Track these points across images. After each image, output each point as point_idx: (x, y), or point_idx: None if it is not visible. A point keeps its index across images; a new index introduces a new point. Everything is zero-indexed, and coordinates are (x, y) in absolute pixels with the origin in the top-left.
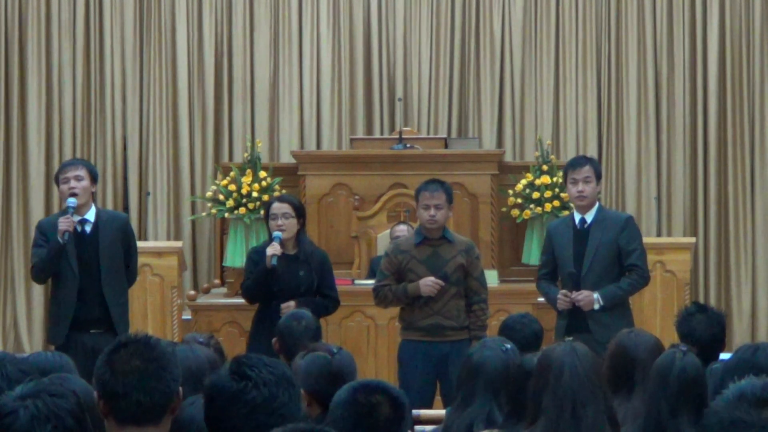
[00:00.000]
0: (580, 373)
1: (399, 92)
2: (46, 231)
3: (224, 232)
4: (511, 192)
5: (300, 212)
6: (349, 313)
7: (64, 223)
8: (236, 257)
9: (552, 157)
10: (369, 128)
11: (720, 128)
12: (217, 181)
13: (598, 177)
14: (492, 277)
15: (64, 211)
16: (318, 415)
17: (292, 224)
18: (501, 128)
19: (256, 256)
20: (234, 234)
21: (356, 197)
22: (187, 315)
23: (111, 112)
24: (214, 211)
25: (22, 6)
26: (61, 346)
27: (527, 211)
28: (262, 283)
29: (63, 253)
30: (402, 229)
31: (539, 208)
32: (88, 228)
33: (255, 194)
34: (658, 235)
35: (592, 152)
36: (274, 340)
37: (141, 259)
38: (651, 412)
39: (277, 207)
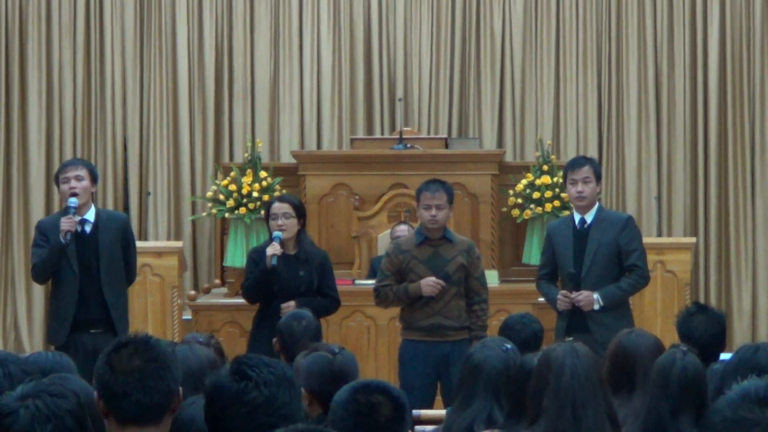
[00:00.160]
0: (581, 373)
1: (399, 92)
2: (46, 231)
3: (225, 232)
4: (511, 192)
5: (300, 212)
6: (350, 313)
7: (67, 223)
8: (236, 257)
9: (552, 157)
10: (369, 128)
11: (720, 128)
12: (217, 181)
13: (598, 177)
14: (492, 277)
15: (64, 211)
16: (319, 414)
17: (292, 224)
18: (501, 128)
19: (257, 256)
20: (234, 234)
21: (356, 197)
22: (187, 315)
23: (111, 112)
24: (214, 211)
25: (22, 6)
26: (61, 346)
27: (527, 211)
28: (263, 283)
29: (64, 253)
30: (402, 229)
31: (540, 208)
32: (87, 228)
33: (255, 194)
34: (659, 235)
35: (592, 152)
36: (274, 340)
37: (141, 259)
38: (651, 412)
39: (278, 207)
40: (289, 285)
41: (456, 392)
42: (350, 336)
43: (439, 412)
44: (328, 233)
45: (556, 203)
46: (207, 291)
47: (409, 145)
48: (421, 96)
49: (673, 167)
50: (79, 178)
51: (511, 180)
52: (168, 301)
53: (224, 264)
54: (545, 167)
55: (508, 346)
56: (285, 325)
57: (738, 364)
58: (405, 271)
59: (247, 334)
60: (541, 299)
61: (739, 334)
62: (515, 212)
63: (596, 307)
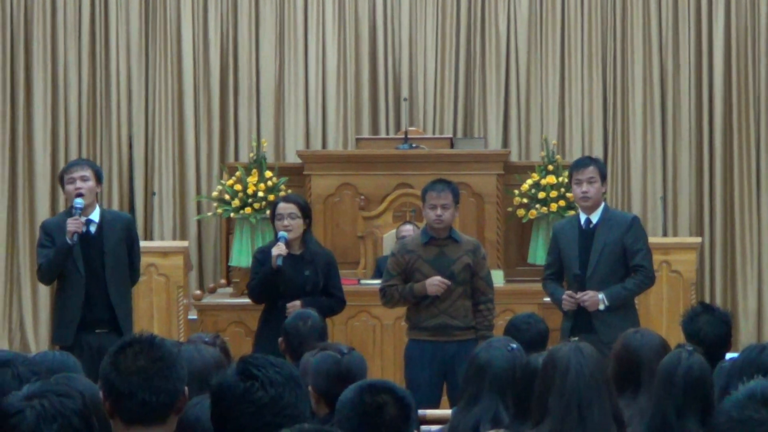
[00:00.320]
0: (586, 373)
1: (404, 92)
2: (51, 231)
3: (230, 231)
4: (516, 192)
5: (306, 212)
6: (355, 312)
7: (73, 224)
8: (242, 257)
9: (558, 156)
10: (375, 128)
11: (726, 128)
12: (222, 181)
13: (603, 177)
14: (498, 277)
15: (68, 211)
16: (326, 414)
17: (298, 224)
18: (507, 128)
19: (262, 256)
20: (240, 234)
21: (362, 197)
22: (192, 315)
23: (116, 112)
24: (219, 210)
25: (27, 5)
26: (67, 347)
27: (533, 211)
28: (268, 284)
29: (70, 254)
30: (408, 229)
31: (545, 208)
32: (92, 228)
33: (261, 194)
34: (664, 235)
35: (597, 152)
36: (280, 339)
37: (147, 259)
38: (657, 412)
39: (283, 207)
40: (294, 285)
41: (462, 392)
42: (356, 336)
43: (445, 411)
44: (333, 233)
45: (562, 203)
46: (212, 291)
47: (414, 145)
48: (427, 96)
49: (679, 167)
50: (84, 179)
51: (517, 180)
52: (173, 301)
53: (230, 264)
54: (550, 167)
55: (514, 345)
56: (291, 325)
57: (744, 364)
58: (411, 271)
59: (252, 333)
60: (547, 299)
61: (745, 334)
62: (520, 212)
63: (601, 307)
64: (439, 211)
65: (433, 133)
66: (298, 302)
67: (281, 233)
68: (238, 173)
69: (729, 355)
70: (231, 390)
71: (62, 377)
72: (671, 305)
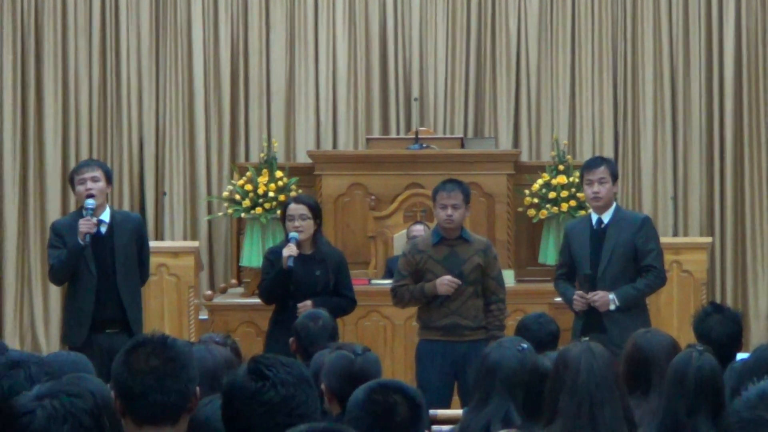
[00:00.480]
0: (597, 373)
1: (415, 92)
2: (61, 232)
3: (241, 231)
4: (527, 192)
5: (316, 213)
6: (366, 312)
7: (85, 225)
8: (253, 257)
9: (568, 156)
10: (385, 128)
11: (736, 127)
12: (233, 181)
13: (615, 178)
14: (508, 277)
15: (78, 212)
16: (338, 414)
17: (308, 225)
18: (517, 128)
19: (273, 256)
20: (250, 234)
21: (372, 197)
22: (203, 315)
23: (127, 113)
24: (230, 210)
25: (38, 7)
26: (78, 347)
27: (543, 211)
28: (279, 284)
29: (82, 254)
30: (418, 229)
31: (555, 208)
32: (103, 229)
33: (271, 194)
34: (675, 235)
35: (608, 152)
36: (291, 339)
37: (158, 259)
38: (668, 412)
39: (294, 208)
40: (305, 285)
41: (472, 392)
42: (366, 336)
43: (456, 411)
44: (344, 233)
45: (572, 203)
46: (223, 291)
47: (424, 145)
48: (437, 96)
49: (689, 167)
50: (95, 180)
51: (527, 180)
52: (184, 301)
53: (240, 264)
54: (561, 167)
55: (525, 345)
56: (301, 325)
57: (755, 364)
58: (421, 271)
59: (263, 334)
60: (558, 299)
61: (756, 334)
62: (531, 212)
63: (612, 307)
64: (449, 211)
65: (444, 133)
66: (308, 302)
67: (292, 234)
68: (248, 173)
69: (740, 355)
70: (242, 390)
71: (73, 377)
72: (682, 305)
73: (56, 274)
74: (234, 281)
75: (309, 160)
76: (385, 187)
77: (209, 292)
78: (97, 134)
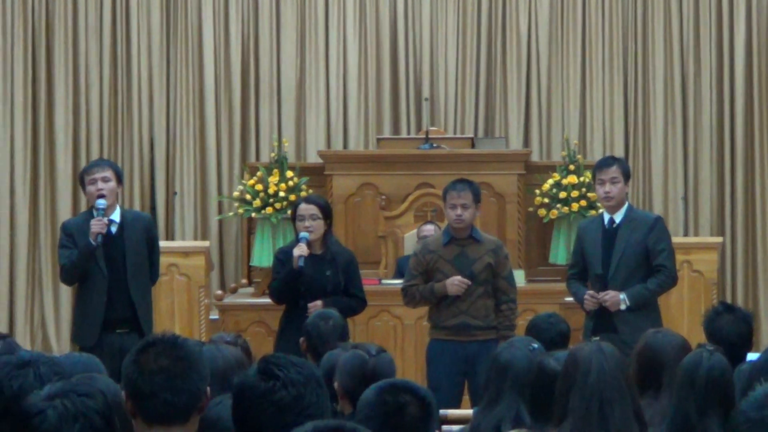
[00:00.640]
0: (608, 372)
1: (426, 92)
2: (71, 232)
3: (251, 231)
4: (537, 192)
5: (327, 213)
6: (376, 312)
7: (97, 226)
8: (263, 257)
9: (579, 156)
10: (396, 128)
11: (747, 127)
12: (244, 181)
13: (627, 177)
14: (519, 277)
15: (89, 212)
16: (350, 413)
17: (319, 225)
18: (528, 128)
19: (283, 256)
20: (261, 233)
21: (383, 197)
22: (214, 315)
23: (138, 113)
24: (241, 210)
25: (49, 8)
26: (89, 347)
27: (554, 211)
28: (290, 284)
29: (93, 254)
30: (429, 229)
31: (566, 208)
32: (113, 229)
33: (282, 194)
34: (685, 235)
35: (618, 152)
36: (301, 339)
37: (168, 259)
38: (678, 412)
39: (304, 208)
40: (315, 285)
41: (483, 392)
42: (377, 336)
43: (467, 411)
44: (354, 233)
45: (583, 203)
46: (234, 291)
47: (435, 145)
48: (448, 95)
49: (700, 167)
50: (105, 179)
51: (538, 179)
52: (195, 301)
53: (251, 264)
54: (571, 167)
55: (535, 345)
56: (312, 325)
57: (765, 364)
58: (432, 271)
59: (274, 333)
60: (568, 299)
61: (766, 334)
62: (542, 212)
63: (623, 307)
64: (459, 211)
65: (454, 132)
66: (319, 302)
67: (302, 234)
68: (259, 173)
69: (750, 355)
70: (252, 390)
71: (84, 377)
72: (692, 305)
73: (67, 274)
74: (244, 281)
75: (319, 160)
76: (396, 186)
77: (220, 292)
78: (108, 134)
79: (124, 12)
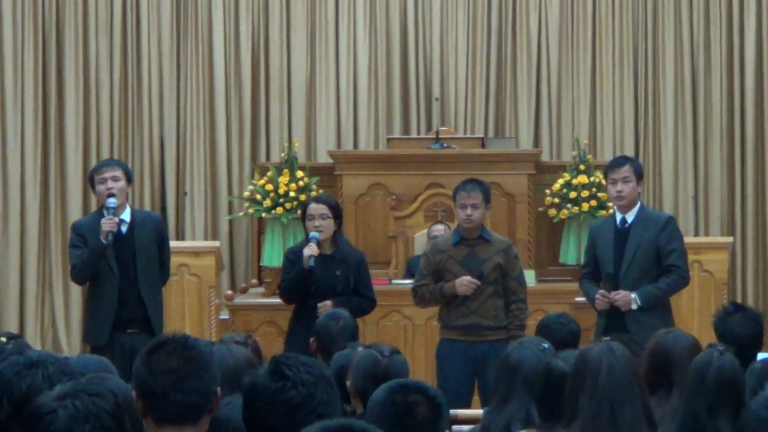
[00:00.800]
0: (618, 372)
1: (436, 92)
2: (82, 232)
3: (261, 231)
4: (548, 192)
5: (337, 213)
6: (387, 312)
7: (108, 224)
8: (273, 257)
9: (589, 156)
10: (406, 128)
11: (757, 127)
12: (254, 181)
13: (639, 177)
14: (529, 277)
15: (99, 212)
16: (362, 413)
17: (329, 225)
18: (538, 128)
19: (293, 256)
20: (271, 234)
21: (393, 197)
22: (224, 315)
23: (148, 112)
24: (251, 210)
25: (59, 6)
26: (99, 346)
27: (564, 211)
28: (300, 284)
29: (104, 254)
30: (439, 229)
31: (576, 208)
32: (123, 228)
33: (292, 194)
34: (696, 234)
35: (628, 152)
36: (311, 339)
37: (178, 259)
38: (688, 411)
39: (314, 208)
40: (325, 285)
41: (493, 392)
42: (387, 336)
43: (477, 411)
44: (364, 233)
45: (593, 203)
46: (244, 291)
47: (445, 145)
48: (458, 95)
49: (710, 167)
50: (115, 179)
51: (548, 179)
52: (205, 301)
53: (261, 264)
54: (582, 167)
55: (545, 345)
56: (322, 325)
57: None
58: (442, 271)
59: (284, 333)
60: (578, 299)
61: None
62: (552, 212)
63: (634, 307)
64: (469, 211)
65: (465, 132)
66: (329, 302)
67: (313, 234)
68: (269, 173)
69: (761, 355)
70: (263, 390)
71: (94, 377)
72: (703, 305)
73: (78, 273)
74: (255, 281)
75: (330, 160)
76: (406, 186)
77: (230, 292)
78: (118, 134)
79: (134, 11)
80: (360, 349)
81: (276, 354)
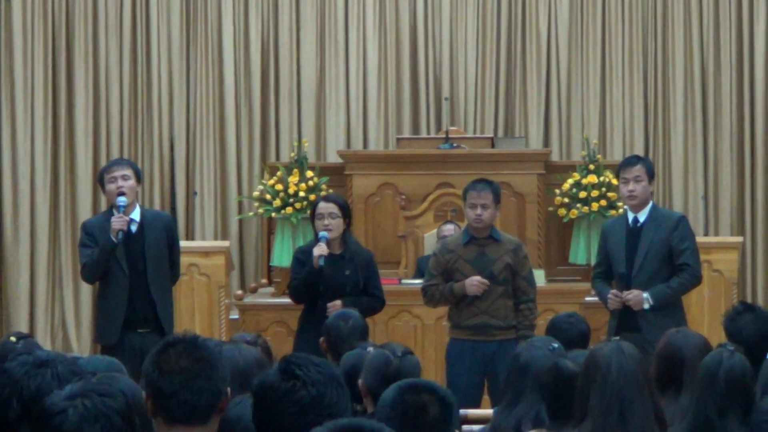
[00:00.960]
0: (627, 372)
1: (445, 92)
2: (92, 231)
3: (271, 231)
4: (557, 191)
5: (346, 212)
6: (396, 312)
7: (118, 223)
8: (283, 257)
9: (599, 156)
10: (415, 128)
11: (767, 126)
12: (264, 181)
13: (651, 176)
14: (539, 277)
15: (108, 211)
16: (373, 412)
17: (338, 224)
18: (547, 127)
19: (302, 255)
20: (281, 233)
21: (403, 197)
22: (234, 315)
23: (158, 112)
24: (261, 210)
25: (69, 7)
26: (110, 346)
27: (574, 211)
28: (309, 284)
29: (113, 253)
30: (449, 229)
31: (586, 208)
32: (133, 227)
33: (302, 194)
34: (706, 234)
35: (638, 151)
36: (321, 339)
37: (188, 259)
38: (698, 411)
39: (324, 207)
40: (334, 285)
41: (503, 391)
42: (397, 335)
43: (487, 411)
44: (374, 233)
45: (603, 202)
46: (254, 290)
47: (455, 145)
48: (467, 95)
49: (720, 166)
50: (125, 178)
51: (558, 179)
52: (215, 301)
53: (271, 263)
54: (591, 166)
55: (555, 345)
56: (332, 325)
57: None
58: (451, 271)
59: (293, 333)
60: (588, 298)
61: None
62: (561, 211)
63: (646, 306)
64: (478, 211)
65: (474, 132)
66: (338, 302)
67: (322, 233)
68: (279, 173)
69: None
70: (273, 389)
71: (104, 377)
72: (713, 305)
73: (89, 272)
74: (264, 281)
75: (339, 160)
76: (416, 186)
77: (240, 292)
78: (128, 134)
79: (143, 11)
80: (370, 348)
81: (286, 354)
